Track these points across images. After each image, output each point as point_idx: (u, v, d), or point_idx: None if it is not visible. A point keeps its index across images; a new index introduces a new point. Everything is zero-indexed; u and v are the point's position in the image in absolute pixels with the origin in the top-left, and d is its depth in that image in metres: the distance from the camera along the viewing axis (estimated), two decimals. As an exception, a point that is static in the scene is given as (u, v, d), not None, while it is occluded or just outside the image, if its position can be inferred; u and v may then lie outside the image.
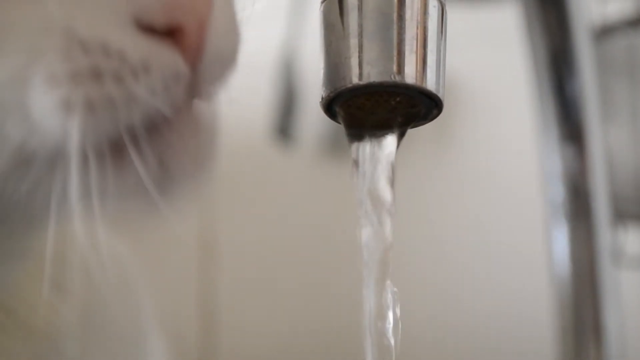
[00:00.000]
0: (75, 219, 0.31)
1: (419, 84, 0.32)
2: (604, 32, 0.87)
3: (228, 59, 0.35)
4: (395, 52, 0.32)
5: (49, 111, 0.30)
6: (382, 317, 0.34)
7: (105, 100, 0.30)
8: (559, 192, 0.63)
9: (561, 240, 0.64)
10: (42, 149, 0.31)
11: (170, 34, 0.31)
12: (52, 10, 0.30)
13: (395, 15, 0.32)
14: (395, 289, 0.34)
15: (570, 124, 0.63)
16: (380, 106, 0.34)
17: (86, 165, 0.31)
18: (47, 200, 0.32)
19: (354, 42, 0.32)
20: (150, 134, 0.32)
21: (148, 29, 0.31)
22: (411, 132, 0.35)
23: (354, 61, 0.32)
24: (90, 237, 0.32)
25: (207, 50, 0.32)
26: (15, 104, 0.30)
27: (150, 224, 0.34)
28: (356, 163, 0.34)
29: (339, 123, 0.35)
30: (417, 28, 0.32)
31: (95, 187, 0.31)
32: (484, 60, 1.14)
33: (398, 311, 0.34)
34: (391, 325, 0.34)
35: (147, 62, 0.31)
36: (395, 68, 0.32)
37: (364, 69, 0.32)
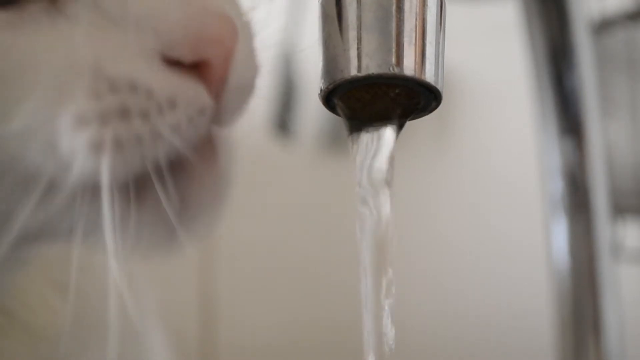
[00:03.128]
0: (110, 250, 0.32)
1: (417, 76, 0.32)
2: (603, 26, 0.87)
3: (248, 87, 0.35)
4: (394, 44, 0.32)
5: (79, 151, 0.30)
6: (381, 308, 0.34)
7: (132, 138, 0.30)
8: (558, 185, 0.64)
9: (560, 234, 0.64)
10: (70, 184, 0.31)
11: (195, 66, 0.31)
12: (80, 50, 0.30)
13: (394, 7, 0.32)
14: (391, 272, 0.34)
15: (569, 117, 0.63)
16: (379, 98, 0.34)
17: (111, 197, 0.31)
18: (66, 224, 0.32)
19: (352, 34, 0.32)
20: (173, 165, 0.32)
21: (174, 63, 0.31)
22: (410, 125, 0.35)
23: (353, 53, 0.32)
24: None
25: (230, 80, 0.33)
26: (45, 143, 0.30)
27: (166, 250, 0.35)
28: (355, 155, 0.34)
29: (338, 115, 0.35)
30: (416, 20, 0.32)
31: (119, 218, 0.31)
32: (483, 53, 1.14)
33: (390, 301, 0.34)
34: (390, 317, 0.34)
35: (174, 97, 0.31)
36: (394, 60, 0.32)
37: (362, 61, 0.32)
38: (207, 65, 0.32)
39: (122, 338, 0.38)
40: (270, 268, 1.16)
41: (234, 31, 0.32)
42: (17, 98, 0.30)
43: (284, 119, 1.09)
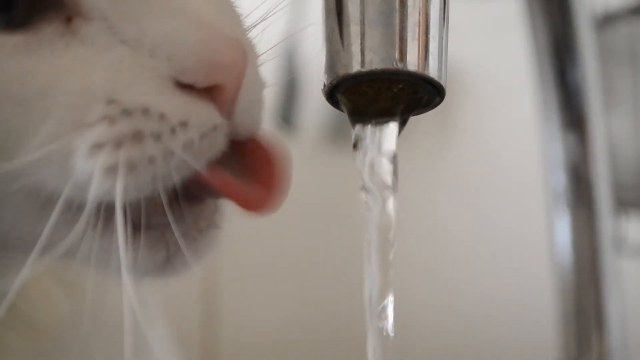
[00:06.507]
0: (124, 269, 0.32)
1: (421, 71, 0.32)
2: (606, 20, 0.87)
3: (257, 102, 0.35)
4: (397, 39, 0.32)
5: (93, 174, 0.31)
6: (383, 300, 0.34)
7: (145, 160, 0.31)
8: (560, 179, 0.64)
9: (563, 228, 0.64)
10: (85, 207, 0.31)
11: (207, 89, 0.32)
12: (95, 80, 0.31)
13: (397, 2, 0.32)
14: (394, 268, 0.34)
15: (572, 111, 0.63)
16: (383, 93, 0.34)
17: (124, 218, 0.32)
18: (80, 243, 0.33)
19: (355, 29, 0.32)
20: (188, 187, 0.33)
21: (187, 87, 0.32)
22: (413, 120, 0.35)
23: (356, 48, 0.32)
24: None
25: (240, 100, 0.33)
26: (61, 167, 0.31)
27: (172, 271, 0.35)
28: (359, 150, 0.34)
29: (341, 111, 0.35)
30: (419, 15, 0.32)
31: (131, 237, 0.32)
32: (486, 48, 1.14)
33: (393, 297, 0.34)
34: (391, 311, 0.34)
35: (186, 119, 0.31)
36: (397, 55, 0.32)
37: (366, 56, 0.32)
38: (220, 88, 0.32)
39: (124, 333, 0.39)
40: (273, 263, 1.16)
41: (244, 54, 0.32)
42: (33, 124, 0.31)
43: (287, 113, 1.09)
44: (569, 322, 0.64)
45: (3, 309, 0.35)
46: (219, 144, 0.33)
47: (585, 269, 0.63)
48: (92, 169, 0.31)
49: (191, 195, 0.34)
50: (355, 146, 0.34)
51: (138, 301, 0.33)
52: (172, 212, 0.32)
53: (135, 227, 0.32)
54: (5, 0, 0.31)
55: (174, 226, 0.33)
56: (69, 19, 0.32)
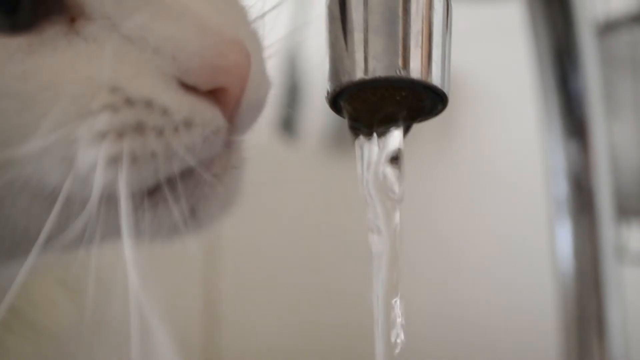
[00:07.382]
0: (128, 258, 0.32)
1: (424, 78, 0.32)
2: (608, 28, 0.87)
3: (261, 103, 0.36)
4: (400, 47, 0.32)
5: (97, 165, 0.31)
6: (390, 310, 0.34)
7: (147, 153, 0.31)
8: (562, 187, 0.64)
9: (565, 236, 0.64)
10: (88, 197, 0.32)
11: (212, 92, 0.32)
12: (100, 69, 0.31)
13: (400, 9, 0.32)
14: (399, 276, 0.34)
15: (573, 119, 0.63)
16: (386, 101, 0.34)
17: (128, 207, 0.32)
18: (82, 233, 0.33)
19: (359, 36, 0.32)
20: (185, 178, 0.33)
21: (191, 88, 0.32)
22: (416, 127, 0.35)
23: (360, 56, 0.32)
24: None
25: (243, 102, 0.33)
26: (63, 159, 0.31)
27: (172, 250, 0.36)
28: (361, 157, 0.34)
29: (344, 118, 0.35)
30: (423, 22, 0.32)
31: (131, 227, 0.32)
32: (488, 55, 1.14)
33: (400, 306, 0.34)
34: (399, 319, 0.34)
35: (190, 119, 0.32)
36: (400, 63, 0.32)
37: (369, 64, 0.32)
38: (224, 91, 0.32)
39: (127, 338, 0.39)
40: (274, 271, 1.16)
41: (248, 57, 0.32)
42: (36, 118, 0.31)
43: (288, 119, 1.09)
44: (571, 330, 0.64)
45: (3, 309, 0.35)
46: (217, 147, 0.33)
47: (586, 277, 0.63)
48: (96, 158, 0.31)
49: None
50: (358, 154, 0.34)
51: (143, 289, 0.33)
52: (178, 195, 0.33)
53: (144, 206, 0.33)
54: (10, 4, 0.31)
55: (173, 203, 0.33)
56: (72, 20, 0.32)
